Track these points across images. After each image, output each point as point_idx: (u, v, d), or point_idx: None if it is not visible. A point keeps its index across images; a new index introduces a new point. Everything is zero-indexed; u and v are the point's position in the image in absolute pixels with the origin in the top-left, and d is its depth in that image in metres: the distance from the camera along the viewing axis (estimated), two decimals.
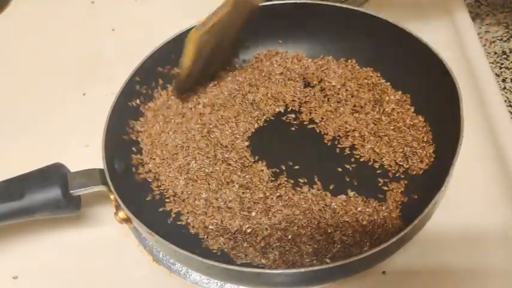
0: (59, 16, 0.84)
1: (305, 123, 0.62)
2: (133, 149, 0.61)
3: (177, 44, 0.64)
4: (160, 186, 0.58)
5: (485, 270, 0.53)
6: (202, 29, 0.58)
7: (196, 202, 0.56)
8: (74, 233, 0.59)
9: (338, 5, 0.66)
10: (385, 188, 0.56)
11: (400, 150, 0.58)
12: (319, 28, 0.67)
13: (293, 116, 0.63)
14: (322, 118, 0.62)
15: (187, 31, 0.64)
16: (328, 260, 0.51)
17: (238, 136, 0.61)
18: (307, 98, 0.64)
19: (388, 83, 0.64)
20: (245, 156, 0.59)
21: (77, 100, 0.72)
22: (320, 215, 0.54)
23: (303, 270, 0.47)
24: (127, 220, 0.54)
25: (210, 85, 0.66)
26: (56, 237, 0.59)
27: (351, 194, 0.56)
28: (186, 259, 0.50)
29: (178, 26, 0.65)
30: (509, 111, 0.64)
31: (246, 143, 0.61)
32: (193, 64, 0.60)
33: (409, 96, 0.62)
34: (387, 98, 0.62)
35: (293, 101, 0.64)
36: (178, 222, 0.56)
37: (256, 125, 0.62)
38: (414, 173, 0.57)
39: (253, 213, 0.55)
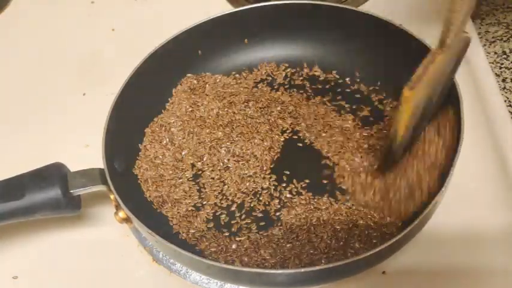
0: (59, 16, 0.84)
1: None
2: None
3: (177, 44, 0.64)
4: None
5: (485, 270, 0.53)
6: (417, 85, 0.46)
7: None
8: (74, 233, 0.59)
9: (338, 5, 0.66)
10: None
11: None
12: (319, 28, 0.67)
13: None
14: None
15: (187, 31, 0.65)
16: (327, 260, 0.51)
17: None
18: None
19: None
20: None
21: (77, 100, 0.72)
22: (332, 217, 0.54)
23: (302, 270, 0.47)
24: (127, 220, 0.54)
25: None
26: (56, 237, 0.59)
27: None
28: (186, 259, 0.50)
29: (178, 26, 0.65)
30: (509, 111, 0.64)
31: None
32: (408, 130, 0.49)
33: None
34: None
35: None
36: None
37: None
38: None
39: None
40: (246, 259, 0.53)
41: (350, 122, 0.61)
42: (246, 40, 0.69)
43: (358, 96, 0.65)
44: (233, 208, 0.57)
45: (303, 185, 0.57)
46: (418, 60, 0.59)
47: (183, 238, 0.55)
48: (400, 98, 0.47)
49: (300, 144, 0.61)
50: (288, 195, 0.57)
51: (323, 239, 0.53)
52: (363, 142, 0.59)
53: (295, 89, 0.66)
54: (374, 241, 0.52)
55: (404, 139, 0.50)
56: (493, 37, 0.74)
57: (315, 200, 0.56)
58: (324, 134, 0.61)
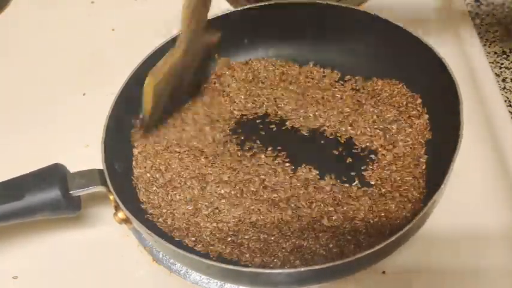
0: (59, 16, 0.84)
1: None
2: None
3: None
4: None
5: (485, 270, 0.53)
6: (156, 78, 0.57)
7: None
8: (74, 233, 0.59)
9: (337, 5, 0.66)
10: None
11: None
12: (319, 28, 0.67)
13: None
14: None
15: None
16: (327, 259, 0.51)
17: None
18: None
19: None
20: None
21: (77, 100, 0.72)
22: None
23: (302, 269, 0.47)
24: (126, 221, 0.54)
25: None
26: (56, 237, 0.59)
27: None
28: (186, 259, 0.50)
29: (178, 26, 0.65)
30: (509, 111, 0.64)
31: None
32: (155, 109, 0.59)
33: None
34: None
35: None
36: None
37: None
38: None
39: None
40: (247, 258, 0.53)
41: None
42: (245, 40, 0.69)
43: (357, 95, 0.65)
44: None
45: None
46: (417, 59, 0.60)
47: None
48: (144, 88, 0.57)
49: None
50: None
51: (322, 239, 0.53)
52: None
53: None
54: (373, 240, 0.52)
55: (154, 113, 0.59)
56: (493, 37, 0.74)
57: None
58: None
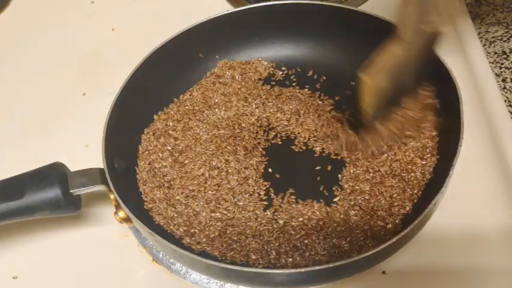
0: (59, 16, 0.84)
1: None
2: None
3: (177, 44, 0.64)
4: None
5: (485, 270, 0.53)
6: (376, 79, 0.51)
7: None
8: (74, 233, 0.59)
9: (338, 5, 0.66)
10: None
11: None
12: (319, 28, 0.67)
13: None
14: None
15: (187, 31, 0.65)
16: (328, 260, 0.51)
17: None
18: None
19: None
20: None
21: (77, 100, 0.72)
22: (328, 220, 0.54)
23: (303, 270, 0.47)
24: (127, 220, 0.54)
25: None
26: (56, 237, 0.59)
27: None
28: (186, 259, 0.50)
29: (178, 26, 0.65)
30: (509, 111, 0.64)
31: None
32: (375, 111, 0.54)
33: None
34: None
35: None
36: None
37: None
38: None
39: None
40: (248, 258, 0.53)
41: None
42: (245, 40, 0.69)
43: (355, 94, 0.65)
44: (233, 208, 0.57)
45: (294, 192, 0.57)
46: None
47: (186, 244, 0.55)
48: (359, 78, 0.52)
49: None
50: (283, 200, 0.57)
51: (322, 239, 0.53)
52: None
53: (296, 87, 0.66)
54: (373, 241, 0.52)
55: (373, 113, 0.55)
56: (493, 37, 0.74)
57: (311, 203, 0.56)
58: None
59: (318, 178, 0.58)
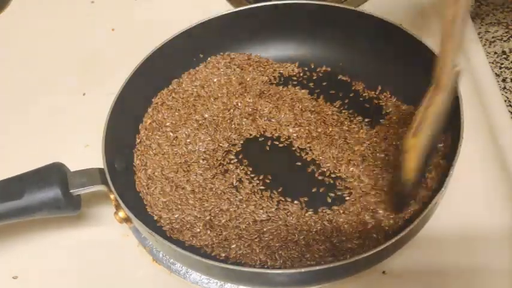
0: (58, 16, 0.84)
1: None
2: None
3: (177, 44, 0.64)
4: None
5: (485, 270, 0.53)
6: (419, 131, 0.47)
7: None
8: (74, 233, 0.59)
9: (338, 5, 0.66)
10: None
11: None
12: (319, 28, 0.67)
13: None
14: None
15: (187, 31, 0.65)
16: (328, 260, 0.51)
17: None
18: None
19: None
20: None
21: (77, 100, 0.72)
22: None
23: (303, 270, 0.47)
24: (127, 220, 0.54)
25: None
26: (56, 237, 0.59)
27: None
28: (186, 259, 0.50)
29: (178, 26, 0.65)
30: (509, 111, 0.64)
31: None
32: (416, 172, 0.50)
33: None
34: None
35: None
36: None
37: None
38: None
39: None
40: (245, 259, 0.53)
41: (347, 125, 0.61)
42: (245, 40, 0.69)
43: (355, 94, 0.65)
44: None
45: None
46: (417, 60, 0.59)
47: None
48: (404, 147, 0.48)
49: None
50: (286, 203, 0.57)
51: (323, 240, 0.53)
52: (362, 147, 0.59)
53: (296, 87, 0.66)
54: (373, 241, 0.52)
55: (414, 179, 0.50)
56: (493, 37, 0.74)
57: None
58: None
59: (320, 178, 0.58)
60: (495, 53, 0.72)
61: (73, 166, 0.55)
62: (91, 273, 0.57)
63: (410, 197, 0.53)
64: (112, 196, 0.53)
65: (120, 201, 0.51)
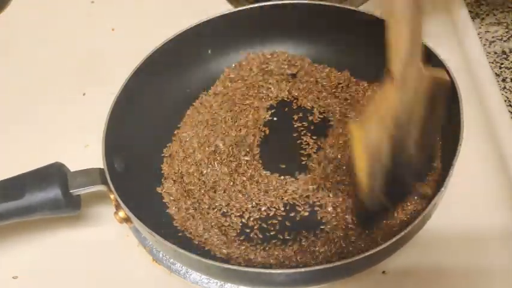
0: (58, 16, 0.84)
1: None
2: None
3: (177, 44, 0.64)
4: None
5: (485, 270, 0.53)
6: (363, 128, 0.43)
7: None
8: (74, 233, 0.59)
9: (337, 5, 0.66)
10: None
11: None
12: (319, 28, 0.67)
13: None
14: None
15: (187, 31, 0.65)
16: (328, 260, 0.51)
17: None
18: None
19: None
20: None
21: (77, 100, 0.72)
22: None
23: (303, 270, 0.47)
24: (127, 220, 0.54)
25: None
26: (56, 237, 0.59)
27: None
28: (186, 259, 0.50)
29: (178, 26, 0.65)
30: (509, 111, 0.64)
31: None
32: (372, 168, 0.44)
33: None
34: None
35: None
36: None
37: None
38: None
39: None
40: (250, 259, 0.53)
41: None
42: (245, 40, 0.69)
43: (356, 94, 0.65)
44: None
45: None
46: None
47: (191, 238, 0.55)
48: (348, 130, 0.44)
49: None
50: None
51: (323, 239, 0.53)
52: None
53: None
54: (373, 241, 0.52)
55: (374, 185, 0.44)
56: (493, 37, 0.74)
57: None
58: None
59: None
60: (495, 53, 0.72)
61: (73, 166, 0.55)
62: (91, 273, 0.57)
63: (380, 215, 0.48)
64: (112, 196, 0.53)
65: (120, 201, 0.51)
